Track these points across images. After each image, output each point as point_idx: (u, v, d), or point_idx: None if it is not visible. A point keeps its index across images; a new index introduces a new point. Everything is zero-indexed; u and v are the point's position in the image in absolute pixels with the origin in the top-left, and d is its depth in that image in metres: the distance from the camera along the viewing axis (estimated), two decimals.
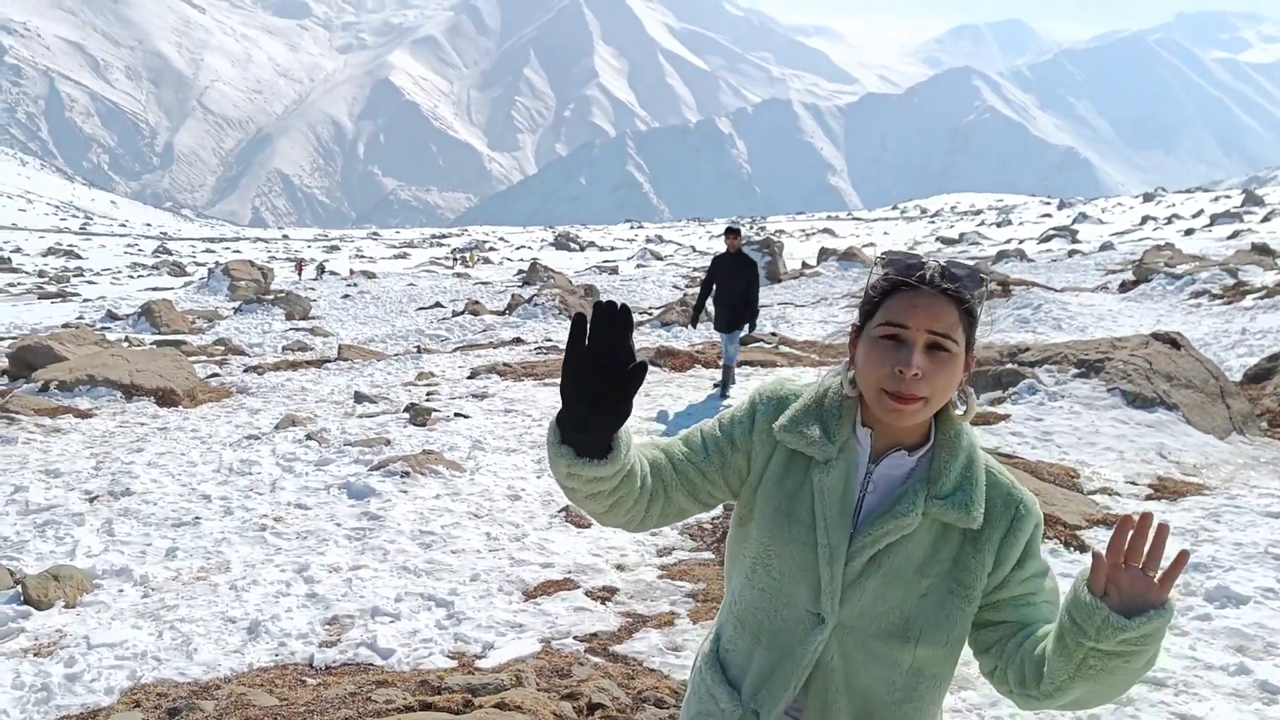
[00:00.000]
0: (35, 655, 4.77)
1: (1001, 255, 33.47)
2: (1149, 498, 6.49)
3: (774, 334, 16.33)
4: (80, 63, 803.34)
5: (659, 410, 9.93)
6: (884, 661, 1.55)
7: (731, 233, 10.30)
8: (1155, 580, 1.33)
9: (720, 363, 11.46)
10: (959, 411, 1.58)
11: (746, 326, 10.18)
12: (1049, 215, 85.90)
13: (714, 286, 10.30)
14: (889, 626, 1.54)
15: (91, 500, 7.56)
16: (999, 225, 77.26)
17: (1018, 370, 9.09)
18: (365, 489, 6.91)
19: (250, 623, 5.02)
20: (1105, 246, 35.72)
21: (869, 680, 1.56)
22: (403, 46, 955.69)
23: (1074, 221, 66.94)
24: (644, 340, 17.29)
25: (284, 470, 7.92)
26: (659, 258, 56.46)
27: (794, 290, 27.00)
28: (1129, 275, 21.23)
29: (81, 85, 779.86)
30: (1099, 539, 5.67)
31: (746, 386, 10.76)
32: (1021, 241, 47.80)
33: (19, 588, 5.60)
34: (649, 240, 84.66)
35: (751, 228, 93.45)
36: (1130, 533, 1.33)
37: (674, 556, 5.82)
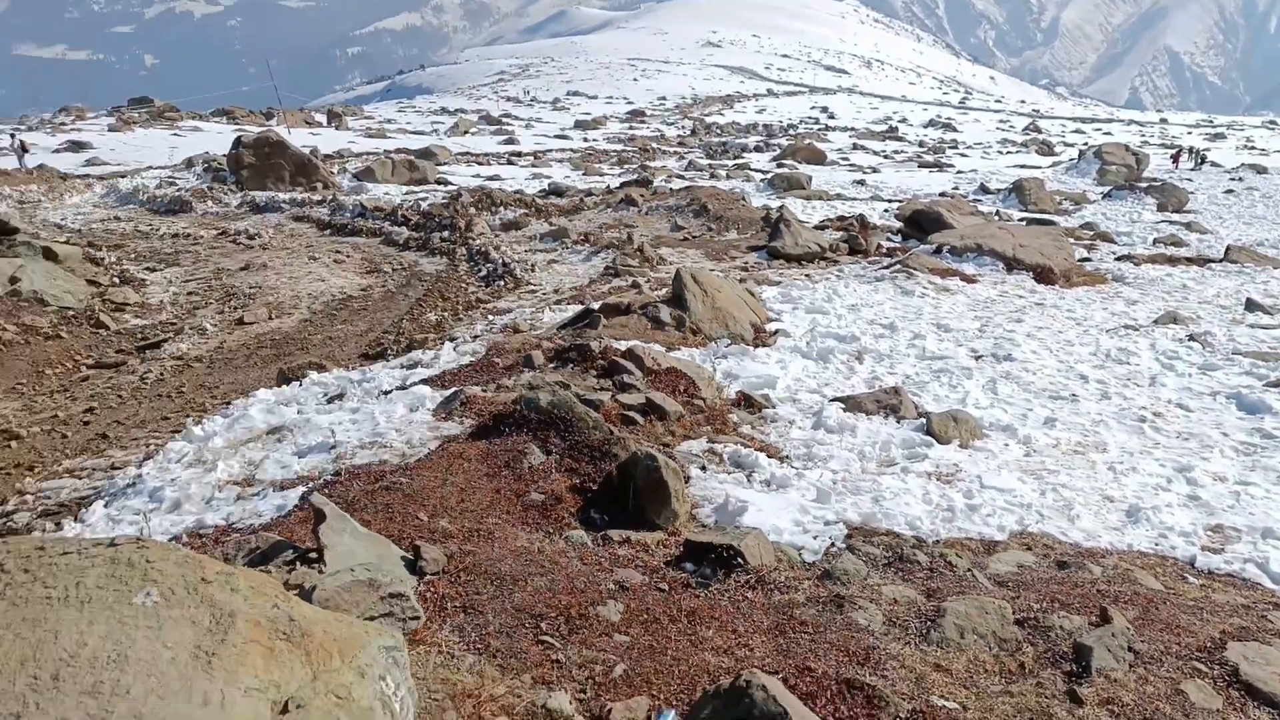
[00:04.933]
0: (938, 480, 5.58)
1: None
2: None
3: None
4: None
5: None
6: None
7: None
8: None
9: None
10: None
11: None
12: None
13: None
14: None
15: (977, 358, 8.35)
16: None
17: None
18: (1259, 404, 6.41)
19: (1129, 507, 5.14)
20: None
21: None
22: None
23: None
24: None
25: (1164, 367, 7.73)
26: None
27: None
28: None
29: None
30: None
31: None
32: None
33: (923, 420, 6.54)
34: None
35: None
36: None
37: None
